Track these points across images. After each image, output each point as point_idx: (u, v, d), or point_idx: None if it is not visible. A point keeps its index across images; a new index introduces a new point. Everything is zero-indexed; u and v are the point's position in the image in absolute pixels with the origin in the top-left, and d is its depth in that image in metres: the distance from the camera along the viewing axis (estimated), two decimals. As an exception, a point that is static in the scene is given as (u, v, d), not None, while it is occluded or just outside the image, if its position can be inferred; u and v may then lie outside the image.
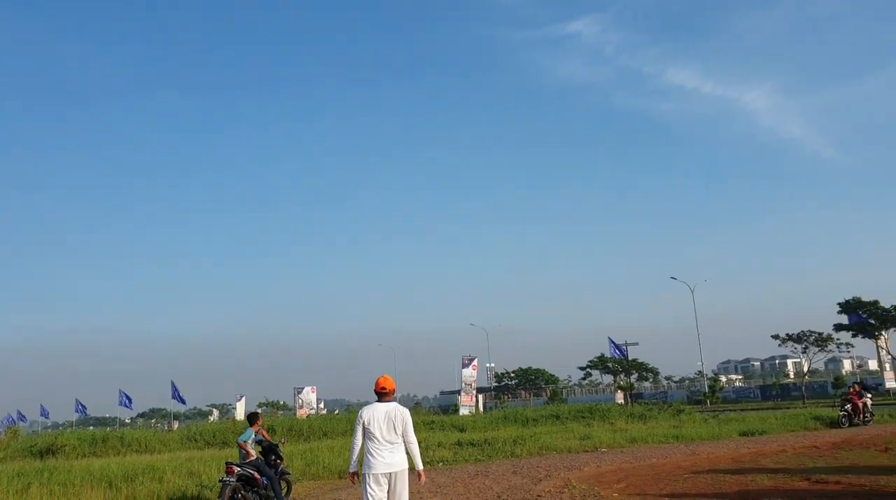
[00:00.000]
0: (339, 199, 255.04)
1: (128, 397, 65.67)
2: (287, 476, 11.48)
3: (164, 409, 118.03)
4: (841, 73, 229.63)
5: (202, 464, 15.37)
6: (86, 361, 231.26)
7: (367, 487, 6.47)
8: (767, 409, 39.49)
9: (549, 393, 79.66)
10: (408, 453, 6.70)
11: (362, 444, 6.65)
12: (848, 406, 23.71)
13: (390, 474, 6.50)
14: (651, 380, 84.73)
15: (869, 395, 25.09)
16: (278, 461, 11.01)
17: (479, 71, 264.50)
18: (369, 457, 6.55)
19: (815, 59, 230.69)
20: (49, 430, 70.33)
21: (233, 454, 14.89)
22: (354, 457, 6.75)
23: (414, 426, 6.84)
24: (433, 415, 37.34)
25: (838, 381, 55.03)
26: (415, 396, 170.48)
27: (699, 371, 71.70)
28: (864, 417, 23.77)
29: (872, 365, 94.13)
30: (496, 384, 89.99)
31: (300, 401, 55.80)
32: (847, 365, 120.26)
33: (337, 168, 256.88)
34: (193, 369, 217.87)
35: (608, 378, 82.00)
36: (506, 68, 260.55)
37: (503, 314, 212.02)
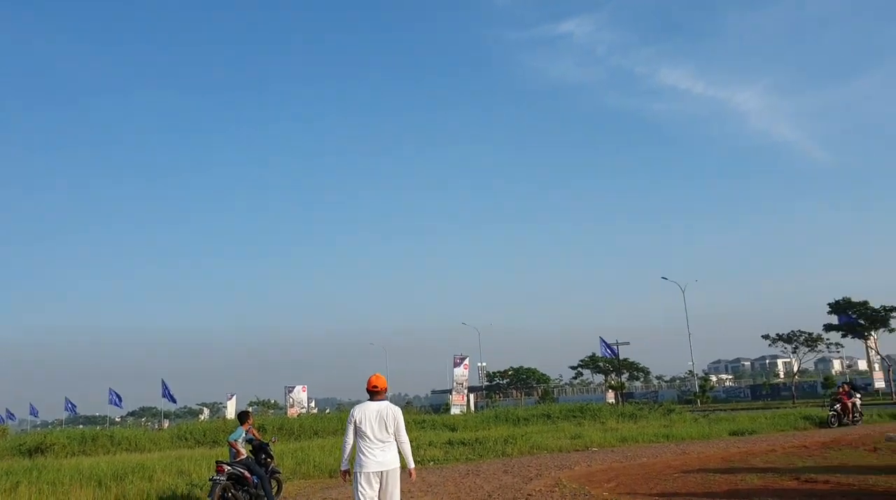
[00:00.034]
0: (333, 199, 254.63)
1: (118, 396, 65.29)
2: (277, 475, 11.47)
3: (155, 407, 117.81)
4: (833, 73, 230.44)
5: (192, 463, 15.32)
6: (75, 359, 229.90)
7: (359, 486, 6.46)
8: (757, 409, 39.72)
9: (540, 392, 79.73)
10: (399, 452, 6.70)
11: (354, 443, 6.65)
12: (837, 406, 23.87)
13: (382, 472, 6.49)
14: (642, 380, 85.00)
15: (858, 395, 25.27)
16: (269, 459, 10.98)
17: (471, 71, 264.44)
18: (361, 456, 6.53)
19: (808, 60, 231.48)
20: (38, 429, 70.01)
21: (223, 452, 14.85)
22: (346, 455, 6.74)
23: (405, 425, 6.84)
24: (424, 414, 37.34)
25: (828, 381, 55.32)
26: (406, 395, 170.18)
27: (690, 371, 72.03)
28: (854, 417, 23.93)
29: (862, 365, 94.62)
30: (487, 384, 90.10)
31: (291, 400, 55.68)
32: (837, 365, 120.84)
33: (335, 168, 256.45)
34: (184, 368, 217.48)
35: (599, 378, 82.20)
36: (498, 68, 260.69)
37: (494, 314, 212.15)
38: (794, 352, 53.50)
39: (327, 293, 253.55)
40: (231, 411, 54.11)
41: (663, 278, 61.07)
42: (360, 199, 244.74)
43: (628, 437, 20.33)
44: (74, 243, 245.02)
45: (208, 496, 9.69)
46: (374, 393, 6.73)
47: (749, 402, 56.74)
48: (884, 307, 51.05)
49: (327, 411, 70.63)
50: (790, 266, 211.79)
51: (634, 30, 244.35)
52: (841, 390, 25.16)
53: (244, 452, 10.46)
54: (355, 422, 6.59)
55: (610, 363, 69.02)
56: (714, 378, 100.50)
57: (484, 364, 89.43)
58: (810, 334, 52.30)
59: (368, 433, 6.53)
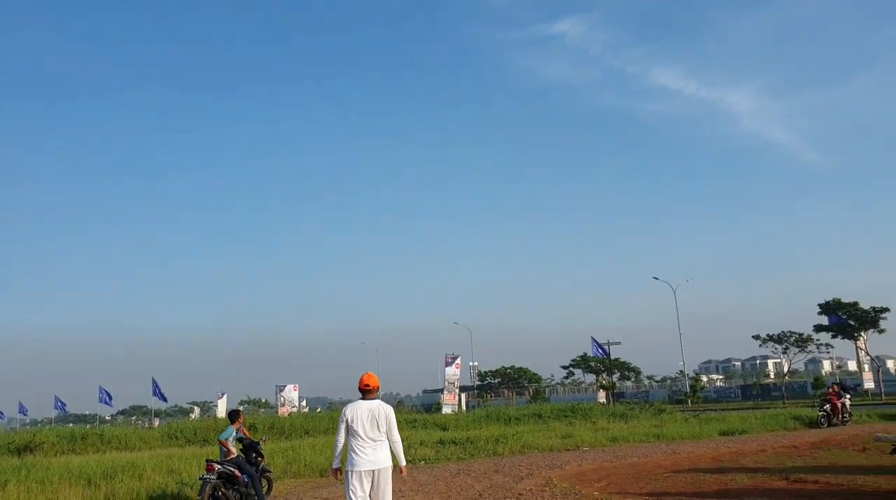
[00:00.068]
0: (330, 199, 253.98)
1: (108, 394, 64.95)
2: (268, 474, 11.43)
3: (145, 406, 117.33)
4: (825, 75, 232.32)
5: (183, 462, 15.25)
6: (65, 357, 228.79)
7: (350, 484, 6.44)
8: (748, 409, 39.87)
9: (531, 392, 79.79)
10: (391, 450, 6.69)
11: (345, 441, 6.64)
12: (827, 406, 23.99)
13: (374, 471, 6.48)
14: (633, 379, 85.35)
15: (848, 395, 25.39)
16: (259, 458, 10.95)
17: (470, 70, 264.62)
18: (353, 454, 6.52)
19: (800, 62, 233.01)
20: (27, 427, 69.47)
21: (214, 451, 14.82)
22: (337, 453, 6.72)
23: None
24: (416, 413, 37.34)
25: (818, 381, 55.65)
26: (398, 394, 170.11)
27: (681, 371, 72.27)
28: (843, 417, 24.04)
29: (852, 366, 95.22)
30: (479, 383, 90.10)
31: (282, 399, 55.53)
32: (827, 366, 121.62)
33: (329, 168, 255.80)
34: (175, 367, 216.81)
35: (591, 377, 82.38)
36: (491, 69, 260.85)
37: (486, 313, 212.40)
38: (784, 352, 53.74)
39: (320, 293, 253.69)
40: (222, 410, 53.91)
41: (654, 278, 61.18)
42: (359, 199, 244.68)
43: (619, 437, 20.37)
44: (63, 243, 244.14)
45: (198, 495, 9.65)
46: (366, 392, 6.71)
47: (739, 402, 56.95)
48: (873, 308, 51.36)
49: (318, 410, 70.39)
50: (782, 267, 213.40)
51: (627, 30, 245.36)
52: (830, 390, 25.29)
53: (234, 451, 10.43)
54: (347, 421, 6.58)
55: (601, 363, 69.18)
56: (705, 378, 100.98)
57: (476, 364, 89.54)
58: (800, 334, 52.54)
59: (360, 431, 6.51)
